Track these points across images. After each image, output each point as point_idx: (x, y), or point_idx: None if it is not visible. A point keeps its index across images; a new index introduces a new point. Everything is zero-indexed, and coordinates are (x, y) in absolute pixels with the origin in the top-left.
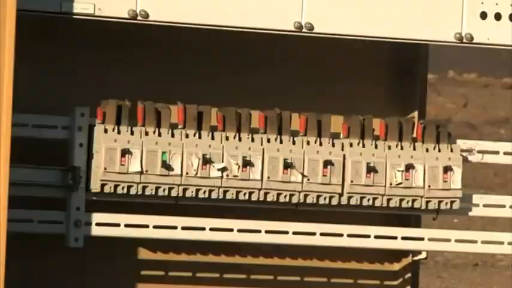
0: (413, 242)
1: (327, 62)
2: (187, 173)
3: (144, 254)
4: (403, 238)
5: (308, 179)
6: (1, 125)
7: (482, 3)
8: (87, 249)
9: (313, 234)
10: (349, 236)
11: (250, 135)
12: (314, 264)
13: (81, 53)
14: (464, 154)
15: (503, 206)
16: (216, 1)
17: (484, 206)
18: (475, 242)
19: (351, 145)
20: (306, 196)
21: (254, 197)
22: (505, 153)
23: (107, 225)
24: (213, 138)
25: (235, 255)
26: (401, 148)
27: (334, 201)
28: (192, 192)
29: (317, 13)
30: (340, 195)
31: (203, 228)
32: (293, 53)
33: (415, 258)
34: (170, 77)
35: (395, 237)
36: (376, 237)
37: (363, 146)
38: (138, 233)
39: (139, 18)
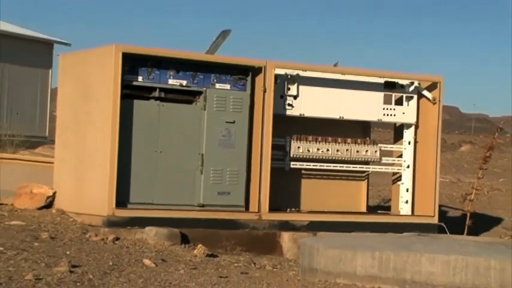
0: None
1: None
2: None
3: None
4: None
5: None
6: (268, 143)
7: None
8: (290, 171)
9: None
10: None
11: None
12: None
13: None
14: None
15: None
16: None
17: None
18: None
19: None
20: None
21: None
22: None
23: (293, 165)
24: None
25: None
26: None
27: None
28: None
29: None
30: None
31: (303, 166)
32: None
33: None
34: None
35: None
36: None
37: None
38: (297, 166)
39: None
